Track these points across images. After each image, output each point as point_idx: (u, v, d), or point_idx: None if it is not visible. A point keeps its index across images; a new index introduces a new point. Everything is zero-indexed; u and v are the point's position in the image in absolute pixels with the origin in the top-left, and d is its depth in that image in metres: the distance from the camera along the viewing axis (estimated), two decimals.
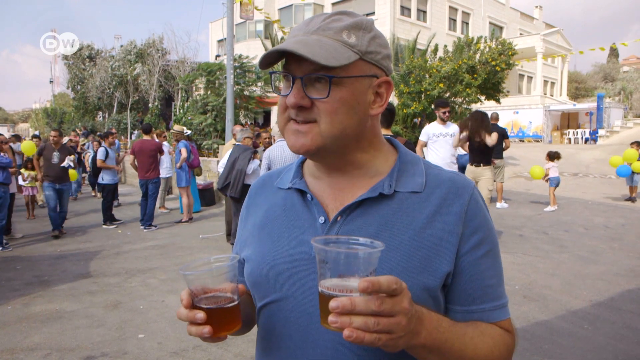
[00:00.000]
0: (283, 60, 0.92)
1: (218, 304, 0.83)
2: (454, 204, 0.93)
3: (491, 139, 6.79)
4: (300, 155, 1.02)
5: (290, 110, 0.91)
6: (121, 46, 27.45)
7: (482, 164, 6.99)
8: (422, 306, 0.78)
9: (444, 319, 0.83)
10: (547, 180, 10.48)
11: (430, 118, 14.58)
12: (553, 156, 10.63)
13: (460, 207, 0.93)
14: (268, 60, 0.91)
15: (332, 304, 0.67)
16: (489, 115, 10.00)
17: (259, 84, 17.49)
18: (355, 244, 0.76)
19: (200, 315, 0.81)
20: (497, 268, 0.96)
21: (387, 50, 0.94)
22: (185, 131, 10.25)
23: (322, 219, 0.94)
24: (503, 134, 9.87)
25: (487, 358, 0.87)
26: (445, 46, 16.10)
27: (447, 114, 6.76)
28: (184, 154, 9.19)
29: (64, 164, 8.02)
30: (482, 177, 6.92)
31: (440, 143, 6.71)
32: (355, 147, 0.95)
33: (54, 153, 8.06)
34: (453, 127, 6.85)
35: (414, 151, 4.67)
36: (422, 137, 6.92)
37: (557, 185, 10.38)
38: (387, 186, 0.94)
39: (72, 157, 8.20)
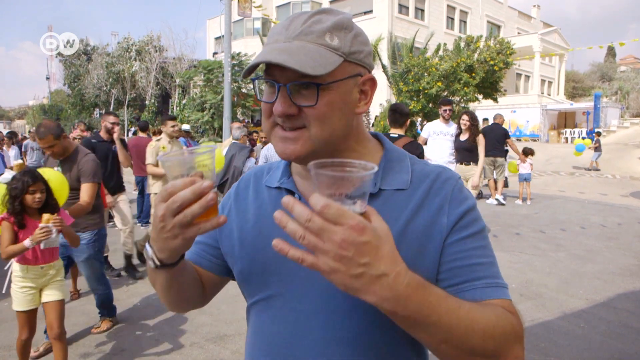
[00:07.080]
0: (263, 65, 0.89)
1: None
2: (437, 196, 0.91)
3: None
4: None
5: (277, 117, 0.89)
6: (118, 43, 27.33)
7: (472, 163, 7.30)
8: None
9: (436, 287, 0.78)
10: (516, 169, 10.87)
11: (428, 117, 14.61)
12: (527, 153, 10.96)
13: (444, 197, 0.91)
14: (250, 69, 0.91)
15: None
16: (494, 116, 10.57)
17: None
18: (350, 166, 0.73)
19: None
20: (486, 250, 0.90)
21: (368, 47, 0.93)
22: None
23: None
24: (505, 134, 10.32)
25: (487, 333, 0.77)
26: (445, 44, 16.11)
27: (447, 112, 6.79)
28: None
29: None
30: (470, 174, 7.22)
31: (440, 141, 6.75)
32: (344, 147, 0.94)
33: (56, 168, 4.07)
34: (454, 127, 6.91)
35: (422, 151, 4.71)
36: (423, 134, 6.97)
37: (525, 180, 10.66)
38: (371, 184, 0.92)
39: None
